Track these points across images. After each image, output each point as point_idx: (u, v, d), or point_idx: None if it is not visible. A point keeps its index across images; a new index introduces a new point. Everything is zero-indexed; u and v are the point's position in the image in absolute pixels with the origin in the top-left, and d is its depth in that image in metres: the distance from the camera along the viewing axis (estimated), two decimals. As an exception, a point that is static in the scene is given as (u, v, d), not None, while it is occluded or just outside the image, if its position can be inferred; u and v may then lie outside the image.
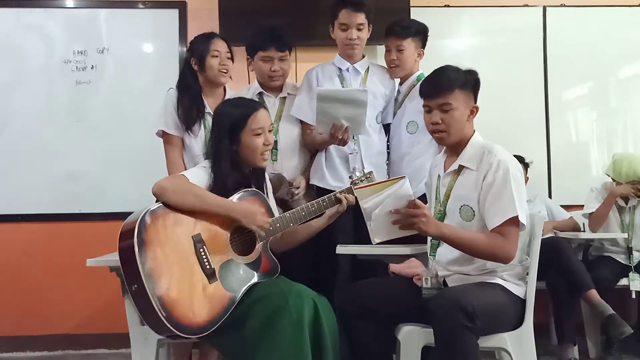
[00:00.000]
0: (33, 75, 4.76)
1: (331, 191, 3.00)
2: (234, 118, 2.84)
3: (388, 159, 3.66)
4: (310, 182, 3.55)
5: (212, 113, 3.41)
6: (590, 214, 4.38)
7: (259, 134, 2.85)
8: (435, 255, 2.77)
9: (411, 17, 4.30)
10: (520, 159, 4.44)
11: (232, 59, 3.49)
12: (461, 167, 2.71)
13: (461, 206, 2.67)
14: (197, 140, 3.43)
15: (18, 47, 4.76)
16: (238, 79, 3.69)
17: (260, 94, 3.58)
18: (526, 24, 5.02)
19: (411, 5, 4.62)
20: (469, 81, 2.71)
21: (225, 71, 3.44)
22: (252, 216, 2.70)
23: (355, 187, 2.90)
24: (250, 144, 2.84)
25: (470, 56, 4.95)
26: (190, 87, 3.45)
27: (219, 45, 3.43)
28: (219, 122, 2.88)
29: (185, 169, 3.32)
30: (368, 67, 3.63)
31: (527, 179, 4.54)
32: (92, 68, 4.77)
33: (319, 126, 3.31)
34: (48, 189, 4.71)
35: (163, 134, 3.49)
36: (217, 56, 3.41)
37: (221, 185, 2.76)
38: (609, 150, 4.89)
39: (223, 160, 2.80)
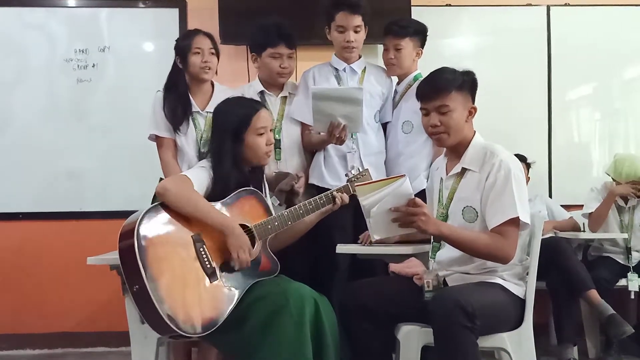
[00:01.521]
0: (34, 73, 4.76)
1: (329, 190, 2.99)
2: (238, 118, 2.85)
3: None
4: (309, 182, 3.55)
5: (200, 112, 3.43)
6: (589, 213, 4.38)
7: (262, 134, 2.87)
8: (435, 257, 2.78)
9: (412, 17, 4.29)
10: (523, 158, 4.45)
11: (217, 55, 3.47)
12: (464, 170, 2.71)
13: (464, 208, 2.67)
14: (189, 141, 3.43)
15: (20, 46, 4.77)
16: (238, 78, 3.69)
17: (261, 92, 3.57)
18: (529, 24, 4.99)
19: (412, 4, 4.60)
20: (466, 82, 2.70)
21: (208, 68, 3.42)
22: (241, 244, 2.63)
23: (354, 184, 2.88)
24: (253, 143, 2.85)
25: (472, 56, 4.95)
26: (176, 86, 3.44)
27: (201, 42, 3.41)
28: (222, 121, 2.88)
29: (181, 171, 3.33)
30: (365, 67, 3.63)
31: (528, 178, 4.54)
32: (93, 66, 4.77)
33: (317, 125, 3.31)
34: (49, 187, 4.72)
35: (156, 138, 3.48)
36: (199, 53, 3.39)
37: (223, 185, 2.77)
38: (611, 151, 4.87)
39: (225, 160, 2.80)
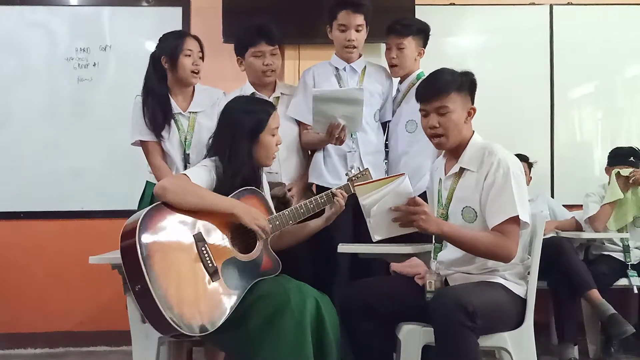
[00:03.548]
0: (35, 72, 4.77)
1: (329, 189, 3.00)
2: (257, 118, 2.87)
3: (386, 157, 3.67)
4: (308, 181, 3.56)
5: (182, 113, 3.40)
6: (590, 216, 4.36)
7: (275, 134, 2.90)
8: (437, 258, 2.77)
9: (416, 15, 4.28)
10: (524, 158, 4.45)
11: (203, 58, 3.43)
12: (462, 170, 2.70)
13: (463, 208, 2.67)
14: (173, 144, 3.39)
15: (21, 44, 4.77)
16: (241, 77, 3.68)
17: (252, 94, 3.52)
18: (533, 23, 5.00)
19: (416, 3, 4.59)
20: (465, 83, 2.70)
21: (197, 72, 3.38)
22: (254, 216, 2.70)
23: (354, 184, 2.90)
24: (267, 143, 2.88)
25: (475, 55, 4.96)
26: (154, 90, 3.37)
27: (192, 45, 3.37)
28: (237, 121, 2.87)
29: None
30: (365, 67, 3.62)
31: (530, 178, 4.55)
32: (94, 65, 4.78)
33: (316, 126, 3.31)
34: (50, 186, 4.73)
35: (141, 143, 3.43)
36: (189, 55, 3.34)
37: (230, 183, 2.77)
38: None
39: (238, 159, 2.81)
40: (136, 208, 3.33)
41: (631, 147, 4.53)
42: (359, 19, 3.46)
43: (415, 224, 2.51)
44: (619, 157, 4.50)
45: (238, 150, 2.82)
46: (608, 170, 4.52)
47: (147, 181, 3.48)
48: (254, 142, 2.85)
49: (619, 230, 4.34)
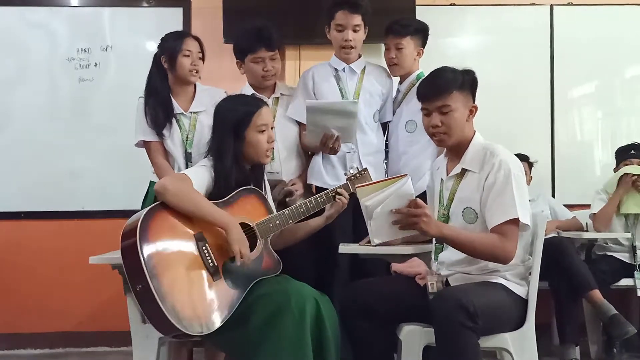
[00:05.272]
0: (36, 72, 4.78)
1: (328, 189, 2.99)
2: (239, 115, 2.85)
3: (386, 157, 3.67)
4: (308, 182, 3.56)
5: (184, 113, 3.42)
6: (594, 214, 4.36)
7: (263, 131, 2.87)
8: (438, 259, 2.77)
9: (416, 16, 4.28)
10: (525, 157, 4.44)
11: (203, 59, 3.45)
12: (464, 170, 2.70)
13: (464, 209, 2.66)
14: (175, 143, 3.41)
15: (22, 45, 4.78)
16: (241, 77, 3.68)
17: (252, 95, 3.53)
18: (533, 23, 5.00)
19: (416, 3, 4.58)
20: (467, 81, 2.69)
21: (195, 71, 3.40)
22: (243, 241, 2.63)
23: (356, 185, 2.90)
24: (254, 140, 2.85)
25: (475, 55, 4.94)
26: (157, 89, 3.40)
27: (191, 45, 3.39)
28: (223, 118, 2.88)
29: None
30: (364, 67, 3.62)
31: (530, 178, 4.55)
32: (95, 66, 4.78)
33: (310, 135, 3.31)
34: (50, 187, 4.73)
35: (144, 143, 3.45)
36: (188, 55, 3.37)
37: (224, 183, 2.77)
38: (614, 150, 4.83)
39: (226, 157, 2.81)
40: (137, 208, 3.32)
41: (632, 142, 4.54)
42: (357, 19, 3.45)
43: (416, 227, 2.49)
44: (621, 153, 4.51)
45: (225, 149, 2.82)
46: (616, 171, 4.51)
47: (150, 181, 3.49)
48: (239, 140, 2.84)
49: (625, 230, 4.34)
